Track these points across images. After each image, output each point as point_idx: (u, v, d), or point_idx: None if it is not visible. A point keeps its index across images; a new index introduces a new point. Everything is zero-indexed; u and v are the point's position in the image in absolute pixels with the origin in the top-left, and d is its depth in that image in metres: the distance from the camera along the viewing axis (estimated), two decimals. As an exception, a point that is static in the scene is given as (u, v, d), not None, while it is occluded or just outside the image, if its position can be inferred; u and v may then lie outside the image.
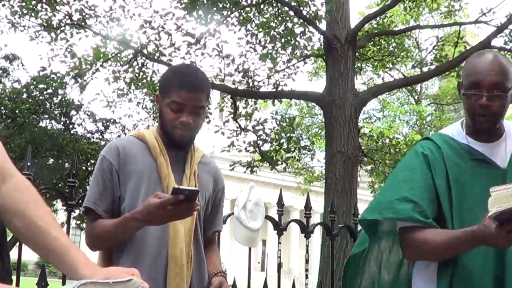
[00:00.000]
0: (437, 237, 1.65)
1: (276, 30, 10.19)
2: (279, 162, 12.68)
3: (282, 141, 12.51)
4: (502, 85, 1.68)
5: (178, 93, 1.84)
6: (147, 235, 1.81)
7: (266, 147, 13.00)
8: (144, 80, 11.32)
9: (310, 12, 9.47)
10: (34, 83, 11.69)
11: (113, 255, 1.87)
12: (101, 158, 1.90)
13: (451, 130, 1.86)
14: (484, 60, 1.73)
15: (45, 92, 11.80)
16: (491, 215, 1.48)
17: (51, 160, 12.95)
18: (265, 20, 10.47)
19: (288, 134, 12.44)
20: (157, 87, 1.96)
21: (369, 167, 15.26)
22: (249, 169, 12.63)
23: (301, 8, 9.35)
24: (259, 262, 36.85)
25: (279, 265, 3.52)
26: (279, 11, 10.22)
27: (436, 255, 1.70)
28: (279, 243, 3.46)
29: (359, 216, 2.13)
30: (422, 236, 1.68)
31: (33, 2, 9.70)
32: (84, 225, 15.63)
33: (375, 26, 13.41)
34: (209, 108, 12.53)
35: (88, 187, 1.96)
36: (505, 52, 10.39)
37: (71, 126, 13.49)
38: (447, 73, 10.87)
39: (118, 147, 1.90)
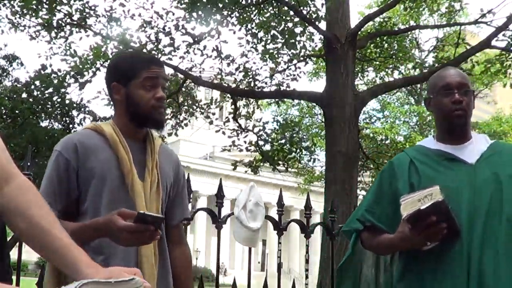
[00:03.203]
0: (375, 239, 2.02)
1: (276, 29, 10.20)
2: (280, 163, 12.69)
3: (283, 141, 12.51)
4: (467, 85, 2.02)
5: (149, 69, 1.83)
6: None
7: (267, 147, 13.01)
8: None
9: (310, 12, 9.47)
10: (34, 82, 11.67)
11: None
12: (57, 154, 1.77)
13: (424, 141, 2.18)
14: (449, 70, 2.11)
15: (46, 92, 11.79)
16: (404, 218, 1.78)
17: (51, 160, 12.91)
18: (265, 19, 10.47)
19: (289, 134, 12.44)
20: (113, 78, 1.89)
21: (373, 171, 15.31)
22: (251, 168, 12.63)
23: (301, 8, 9.35)
24: (259, 262, 36.85)
25: (279, 265, 3.52)
26: (279, 10, 10.23)
27: (377, 251, 2.14)
28: (279, 243, 3.46)
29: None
30: (365, 237, 2.08)
31: (34, 2, 9.69)
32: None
33: (377, 27, 13.43)
34: (209, 107, 12.65)
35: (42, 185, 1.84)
36: (507, 53, 10.39)
37: (71, 126, 13.47)
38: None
39: (76, 143, 1.78)
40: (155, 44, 10.69)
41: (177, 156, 2.06)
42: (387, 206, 2.01)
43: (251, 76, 11.62)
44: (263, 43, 10.71)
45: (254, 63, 11.73)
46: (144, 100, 1.82)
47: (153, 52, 10.71)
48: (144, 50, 10.64)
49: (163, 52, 10.71)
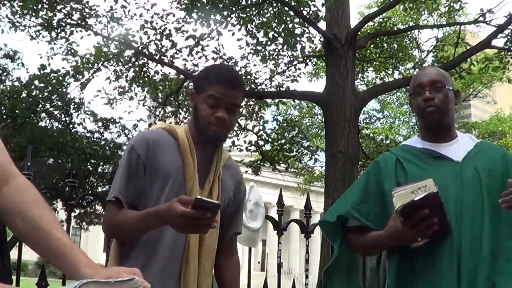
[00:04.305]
0: (364, 238, 1.98)
1: (276, 30, 10.19)
2: (280, 162, 12.69)
3: (283, 141, 12.50)
4: (440, 82, 2.00)
5: (216, 87, 1.83)
6: (163, 233, 1.78)
7: (267, 147, 13.00)
8: (146, 79, 11.31)
9: (310, 12, 9.47)
10: (34, 82, 11.68)
11: (124, 249, 1.84)
12: (130, 148, 1.86)
13: (409, 140, 2.16)
14: (424, 69, 2.15)
15: (45, 91, 11.80)
16: (397, 209, 1.74)
17: (51, 160, 12.93)
18: (265, 20, 10.47)
19: (290, 134, 12.43)
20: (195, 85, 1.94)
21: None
22: (252, 169, 12.63)
23: (301, 9, 9.35)
24: (259, 262, 36.84)
25: (279, 265, 3.53)
26: (279, 11, 10.22)
27: (365, 251, 2.08)
28: (279, 243, 3.46)
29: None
30: (353, 235, 2.04)
31: (33, 1, 9.68)
32: (84, 224, 15.70)
33: (376, 27, 13.43)
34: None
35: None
36: (506, 52, 10.39)
37: (71, 126, 13.48)
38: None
39: (149, 140, 1.86)
40: (157, 45, 10.69)
41: (241, 174, 2.09)
42: (374, 205, 2.00)
43: (252, 79, 11.62)
44: (263, 44, 10.70)
45: (255, 65, 11.74)
46: (204, 115, 1.85)
47: (155, 53, 10.71)
48: (146, 52, 10.65)
49: (165, 54, 10.71)
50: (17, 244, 2.79)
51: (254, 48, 10.96)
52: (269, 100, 12.94)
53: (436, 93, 1.98)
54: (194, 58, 10.73)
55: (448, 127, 2.03)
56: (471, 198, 1.87)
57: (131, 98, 11.97)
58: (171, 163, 1.85)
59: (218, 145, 1.92)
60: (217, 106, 1.83)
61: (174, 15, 10.49)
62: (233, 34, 10.49)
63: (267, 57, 10.67)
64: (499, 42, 9.98)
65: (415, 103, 2.03)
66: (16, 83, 12.80)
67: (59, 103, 12.43)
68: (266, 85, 11.88)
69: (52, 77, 11.45)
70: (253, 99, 12.39)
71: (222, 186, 1.93)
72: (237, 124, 12.15)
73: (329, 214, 2.10)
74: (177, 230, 1.68)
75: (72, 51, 10.88)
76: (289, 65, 11.55)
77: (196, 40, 10.42)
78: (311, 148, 14.32)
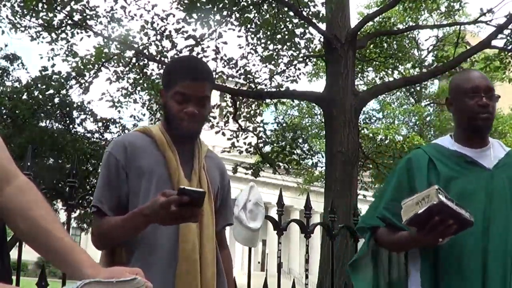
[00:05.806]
0: (388, 237, 2.02)
1: (276, 29, 10.20)
2: (281, 164, 12.69)
3: (284, 143, 12.50)
4: (493, 90, 2.04)
5: (181, 83, 1.80)
6: (158, 231, 1.75)
7: (267, 148, 12.99)
8: (149, 81, 11.32)
9: (310, 13, 9.48)
10: (35, 83, 11.69)
11: (123, 254, 1.80)
12: (107, 155, 1.84)
13: (441, 140, 2.15)
14: (475, 72, 2.12)
15: (46, 93, 11.80)
16: (404, 222, 1.79)
17: (51, 160, 12.92)
18: (265, 20, 10.47)
19: (290, 135, 12.42)
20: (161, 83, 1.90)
21: (372, 171, 15.31)
22: (252, 172, 12.62)
23: (301, 9, 9.36)
24: (259, 262, 36.82)
25: (279, 265, 3.52)
26: (279, 11, 10.23)
27: (389, 249, 2.10)
28: (279, 243, 3.46)
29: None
30: (380, 234, 2.07)
31: (33, 2, 9.69)
32: (85, 225, 15.68)
33: (376, 27, 13.44)
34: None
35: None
36: (506, 52, 10.39)
37: (71, 126, 13.48)
38: (447, 73, 10.86)
39: (125, 143, 1.85)
40: (158, 46, 10.69)
41: (223, 163, 2.08)
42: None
43: (252, 79, 11.62)
44: (263, 44, 10.70)
45: (254, 65, 11.73)
46: (173, 112, 1.83)
47: (155, 54, 10.71)
48: (146, 52, 10.65)
49: (165, 55, 10.71)
50: (17, 244, 2.79)
51: (254, 47, 10.97)
52: (268, 100, 12.95)
53: (490, 100, 2.00)
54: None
55: (488, 134, 2.06)
56: (500, 207, 1.90)
57: (135, 101, 11.99)
58: (153, 161, 1.83)
59: (191, 140, 1.90)
60: (185, 102, 1.81)
61: (174, 16, 10.50)
62: (233, 31, 10.50)
63: (267, 57, 10.67)
64: (499, 42, 10.00)
65: (465, 105, 2.01)
66: (17, 84, 12.81)
67: (60, 105, 12.45)
68: (266, 85, 11.89)
69: (54, 79, 11.46)
70: (253, 99, 12.38)
71: (208, 176, 1.91)
72: (237, 125, 12.15)
73: (367, 218, 2.13)
74: (162, 224, 1.64)
75: (73, 52, 10.89)
76: (289, 65, 11.55)
77: (197, 40, 10.41)
78: (311, 151, 14.34)
